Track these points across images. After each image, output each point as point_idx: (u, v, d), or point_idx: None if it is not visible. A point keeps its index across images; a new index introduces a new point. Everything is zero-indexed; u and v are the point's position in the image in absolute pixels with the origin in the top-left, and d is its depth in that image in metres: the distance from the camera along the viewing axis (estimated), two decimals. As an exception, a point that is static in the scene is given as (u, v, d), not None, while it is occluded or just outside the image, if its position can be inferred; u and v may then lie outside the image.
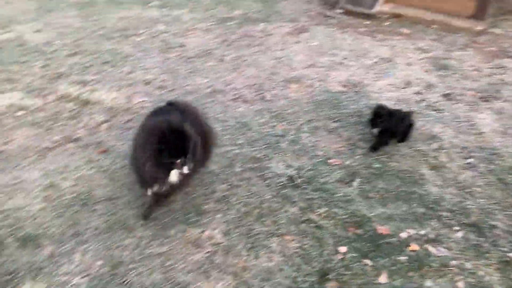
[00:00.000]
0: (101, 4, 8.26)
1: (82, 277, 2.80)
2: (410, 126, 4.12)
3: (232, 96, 5.08)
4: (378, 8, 7.76)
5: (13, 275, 2.81)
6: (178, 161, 2.82)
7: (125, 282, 2.78)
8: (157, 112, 3.38)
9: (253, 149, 4.11)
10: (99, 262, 2.92)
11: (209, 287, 2.75)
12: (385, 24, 7.37)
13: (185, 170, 2.88)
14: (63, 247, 3.03)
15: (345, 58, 6.02)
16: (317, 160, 3.97)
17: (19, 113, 4.66)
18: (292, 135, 4.33)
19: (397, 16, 7.61)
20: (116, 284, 2.76)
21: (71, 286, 2.74)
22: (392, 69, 5.68)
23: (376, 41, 6.64)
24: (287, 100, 4.98)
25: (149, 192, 3.16)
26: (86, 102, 4.86)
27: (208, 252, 3.01)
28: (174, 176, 2.93)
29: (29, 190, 3.56)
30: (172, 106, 3.43)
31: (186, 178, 3.08)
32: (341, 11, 7.95)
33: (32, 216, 3.29)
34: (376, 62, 5.92)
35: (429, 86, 5.27)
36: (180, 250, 3.02)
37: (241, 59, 6.02)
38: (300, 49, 6.36)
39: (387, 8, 7.77)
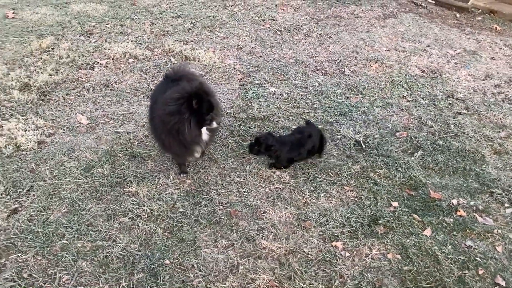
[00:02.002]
0: (205, -24, 8.95)
1: (175, 189, 3.45)
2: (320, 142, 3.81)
3: (314, 67, 5.51)
4: (472, 1, 7.69)
5: (123, 178, 3.53)
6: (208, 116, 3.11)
7: (208, 198, 3.38)
8: (162, 85, 3.52)
9: (327, 114, 4.54)
10: (188, 181, 3.56)
11: (275, 215, 3.26)
12: (477, 18, 7.33)
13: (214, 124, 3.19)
14: (161, 166, 3.71)
15: (428, 46, 6.17)
16: (385, 131, 4.31)
17: (131, 60, 5.46)
18: (365, 107, 4.69)
19: (491, 12, 7.51)
20: (201, 198, 3.37)
21: (166, 194, 3.40)
22: (474, 62, 5.76)
23: (464, 33, 6.67)
24: (365, 77, 5.31)
25: (197, 154, 3.50)
26: (187, 58, 5.55)
27: (276, 187, 3.53)
28: (205, 134, 3.26)
29: (137, 120, 4.30)
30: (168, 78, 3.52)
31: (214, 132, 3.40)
32: (433, 1, 7.98)
33: (139, 140, 4.01)
34: (459, 53, 6.02)
35: (511, 81, 5.31)
36: (253, 182, 3.57)
37: (327, 36, 6.40)
38: (385, 33, 6.59)
39: (482, 3, 7.67)
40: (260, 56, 5.74)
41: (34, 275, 2.70)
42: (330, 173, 3.72)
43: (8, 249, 2.87)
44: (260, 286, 2.70)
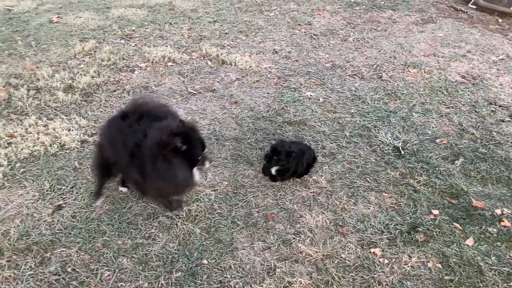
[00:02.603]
0: (241, -19, 9.06)
1: (212, 190, 3.49)
2: (312, 160, 3.68)
3: (351, 72, 5.47)
4: (516, 6, 7.46)
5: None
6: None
7: (244, 200, 3.40)
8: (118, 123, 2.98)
9: (364, 119, 4.49)
10: (225, 183, 3.59)
11: (311, 219, 3.24)
12: (521, 23, 7.09)
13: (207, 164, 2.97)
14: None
15: (469, 52, 6.02)
16: (425, 138, 4.22)
17: (169, 63, 5.57)
18: (403, 113, 4.61)
19: (536, 16, 7.26)
20: (237, 200, 3.40)
21: (204, 194, 3.44)
22: (519, 67, 5.58)
23: (506, 39, 6.47)
24: (403, 82, 5.23)
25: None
26: (223, 62, 5.61)
27: (313, 192, 3.52)
28: (197, 175, 2.99)
29: (175, 122, 4.37)
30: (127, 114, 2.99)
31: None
32: (473, 6, 7.78)
33: (177, 141, 4.08)
34: (502, 59, 5.84)
35: (557, 87, 5.12)
36: (290, 186, 3.57)
37: (364, 41, 6.34)
38: (424, 38, 6.47)
39: (526, 7, 7.43)
40: (296, 61, 5.74)
41: (77, 270, 2.79)
42: (368, 179, 3.67)
43: (53, 244, 2.97)
44: (297, 289, 2.69)
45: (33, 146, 3.87)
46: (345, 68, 5.56)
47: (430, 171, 3.75)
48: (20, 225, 3.10)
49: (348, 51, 6.06)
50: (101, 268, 2.81)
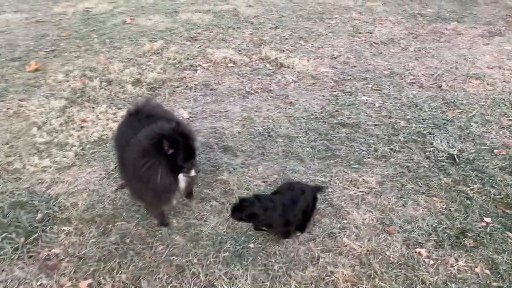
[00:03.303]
0: (304, -10, 9.26)
1: (262, 181, 3.63)
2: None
3: (409, 80, 5.43)
4: None
5: (216, 167, 3.79)
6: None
7: (293, 193, 3.50)
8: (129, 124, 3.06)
9: (420, 125, 4.45)
10: (275, 176, 3.71)
11: (358, 216, 3.29)
12: None
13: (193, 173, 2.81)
14: (251, 160, 3.92)
15: (539, 65, 5.77)
16: (482, 147, 4.12)
17: (230, 64, 5.82)
18: (461, 122, 4.52)
19: None
20: (286, 193, 3.51)
21: (254, 185, 3.58)
22: None
23: None
24: (464, 92, 5.11)
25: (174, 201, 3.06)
26: (281, 65, 5.78)
27: (361, 191, 3.55)
28: (182, 182, 2.85)
29: (232, 118, 4.58)
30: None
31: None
32: (547, 20, 7.43)
33: (232, 135, 4.28)
34: None
35: None
36: (339, 183, 3.63)
37: (425, 51, 6.26)
38: (489, 50, 6.28)
39: None
40: (354, 66, 5.79)
41: (135, 242, 3.02)
42: (419, 183, 3.65)
43: (114, 217, 3.23)
44: (339, 279, 2.74)
45: (102, 131, 4.22)
46: (404, 76, 5.53)
47: (485, 180, 3.66)
48: (87, 198, 3.40)
49: (408, 60, 6.01)
50: (156, 242, 3.02)
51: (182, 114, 4.63)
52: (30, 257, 2.91)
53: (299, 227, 3.08)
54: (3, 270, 2.81)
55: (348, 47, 6.42)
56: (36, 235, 3.06)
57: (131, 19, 7.53)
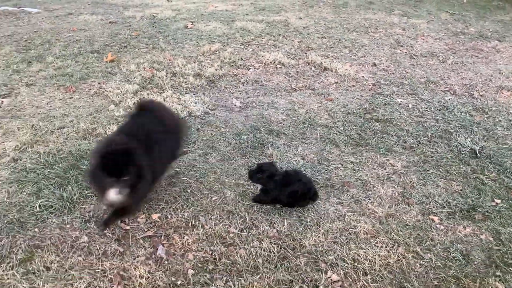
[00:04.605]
0: (352, 7, 9.93)
1: (301, 158, 4.24)
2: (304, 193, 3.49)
3: (443, 88, 5.90)
4: None
5: (262, 144, 4.44)
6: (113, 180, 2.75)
7: (326, 169, 4.09)
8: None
9: (448, 125, 4.92)
10: (313, 155, 4.31)
11: (382, 190, 3.82)
12: None
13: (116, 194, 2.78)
14: (293, 142, 4.54)
15: None
16: (504, 146, 4.54)
17: (279, 66, 6.51)
18: (487, 125, 4.95)
19: None
20: (320, 168, 4.10)
21: (294, 160, 4.20)
22: None
23: None
24: (494, 101, 5.53)
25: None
26: (325, 69, 6.41)
27: (387, 172, 4.08)
28: (112, 195, 2.79)
29: (278, 108, 5.23)
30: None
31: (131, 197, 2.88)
32: None
33: (278, 121, 4.92)
34: None
35: None
36: (368, 165, 4.17)
37: (462, 64, 6.70)
38: (526, 66, 6.62)
39: None
40: (393, 73, 6.32)
41: (194, 192, 3.70)
42: (440, 169, 4.14)
43: (178, 174, 3.93)
44: (360, 231, 3.29)
45: (169, 110, 4.99)
46: (439, 84, 6.00)
47: (501, 171, 4.09)
48: (156, 159, 4.13)
49: (445, 71, 6.47)
50: (211, 194, 3.68)
51: (235, 103, 5.33)
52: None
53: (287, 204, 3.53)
54: (91, 204, 3.55)
55: (389, 57, 6.96)
56: (116, 181, 3.80)
57: (192, 24, 8.42)
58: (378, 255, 3.09)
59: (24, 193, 3.56)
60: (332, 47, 7.34)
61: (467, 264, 3.06)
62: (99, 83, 5.70)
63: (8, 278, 2.79)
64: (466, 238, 3.28)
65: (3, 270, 2.84)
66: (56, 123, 4.63)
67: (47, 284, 2.77)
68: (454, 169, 4.12)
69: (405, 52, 7.22)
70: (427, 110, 5.25)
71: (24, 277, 2.81)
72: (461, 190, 3.84)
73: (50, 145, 4.23)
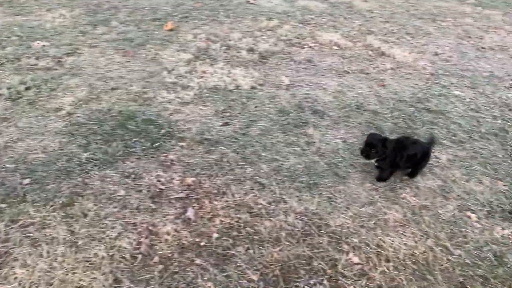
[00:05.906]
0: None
1: (341, 141, 4.19)
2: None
3: (508, 84, 5.54)
4: None
5: (304, 124, 4.43)
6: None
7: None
8: None
9: (505, 123, 4.64)
10: (354, 139, 4.24)
11: (421, 180, 3.69)
12: None
13: None
14: (336, 124, 4.48)
15: None
16: None
17: (334, 47, 6.39)
18: (550, 127, 4.60)
19: None
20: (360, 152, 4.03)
21: (334, 142, 4.16)
22: None
23: None
24: None
25: None
26: (382, 54, 6.20)
27: (430, 164, 3.92)
28: None
29: (326, 89, 5.17)
30: None
31: None
32: None
33: (324, 102, 4.87)
34: None
35: None
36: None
37: (534, 60, 6.22)
38: None
39: None
40: (454, 64, 6.00)
41: (230, 162, 3.79)
42: (488, 167, 3.93)
43: (217, 143, 4.04)
44: (389, 219, 3.24)
45: (217, 81, 5.09)
46: (503, 80, 5.63)
47: (556, 176, 3.82)
48: (198, 126, 4.26)
49: (513, 66, 6.05)
50: (246, 166, 3.76)
51: (284, 80, 5.33)
52: (152, 157, 3.82)
53: (410, 174, 3.69)
54: (132, 162, 3.75)
55: (453, 48, 6.60)
56: (158, 143, 3.98)
57: (254, 0, 8.41)
58: (405, 244, 3.03)
59: (74, 145, 3.82)
60: (394, 33, 7.07)
61: (499, 266, 2.92)
62: (156, 50, 5.90)
63: (50, 219, 3.04)
64: (502, 240, 3.12)
65: (47, 212, 3.10)
66: (111, 84, 4.89)
67: (83, 229, 2.99)
68: (503, 169, 3.90)
69: (472, 44, 6.80)
70: (485, 106, 4.96)
71: (64, 220, 3.05)
72: (507, 190, 3.63)
73: (103, 104, 4.49)
